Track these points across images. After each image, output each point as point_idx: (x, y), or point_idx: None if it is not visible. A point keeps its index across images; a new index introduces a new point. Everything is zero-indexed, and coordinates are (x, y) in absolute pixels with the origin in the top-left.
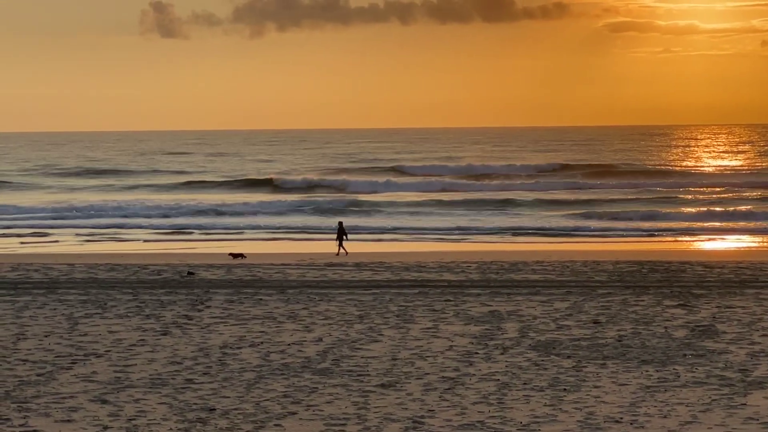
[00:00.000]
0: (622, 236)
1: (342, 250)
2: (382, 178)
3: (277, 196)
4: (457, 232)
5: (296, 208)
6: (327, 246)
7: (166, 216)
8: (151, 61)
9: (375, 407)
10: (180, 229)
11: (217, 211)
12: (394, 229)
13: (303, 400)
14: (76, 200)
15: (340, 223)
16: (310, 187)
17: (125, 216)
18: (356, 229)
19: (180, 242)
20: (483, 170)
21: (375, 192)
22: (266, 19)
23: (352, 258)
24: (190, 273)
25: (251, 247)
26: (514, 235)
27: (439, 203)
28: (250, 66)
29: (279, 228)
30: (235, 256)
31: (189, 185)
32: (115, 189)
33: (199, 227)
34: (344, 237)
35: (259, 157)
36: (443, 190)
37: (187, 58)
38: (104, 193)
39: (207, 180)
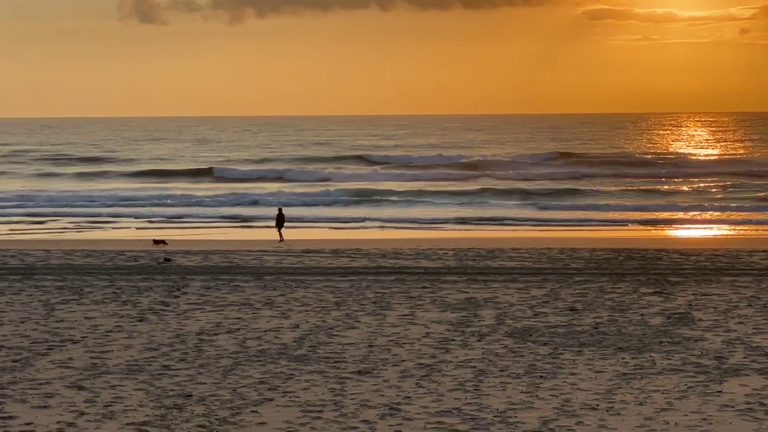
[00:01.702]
0: (593, 226)
1: (280, 237)
2: (344, 168)
3: (218, 185)
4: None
5: (232, 200)
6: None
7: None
8: (129, 47)
9: (351, 394)
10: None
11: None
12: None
13: (280, 386)
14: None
15: (280, 210)
16: (252, 178)
17: (66, 206)
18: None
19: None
20: (446, 160)
21: (339, 181)
22: (245, 5)
23: (328, 245)
24: (166, 259)
25: (184, 234)
26: (459, 223)
27: (381, 192)
28: (228, 52)
29: (214, 217)
30: (157, 242)
31: (151, 174)
32: (61, 177)
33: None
34: (282, 224)
35: (230, 143)
36: (400, 179)
37: (166, 44)
38: (49, 181)
39: (168, 169)
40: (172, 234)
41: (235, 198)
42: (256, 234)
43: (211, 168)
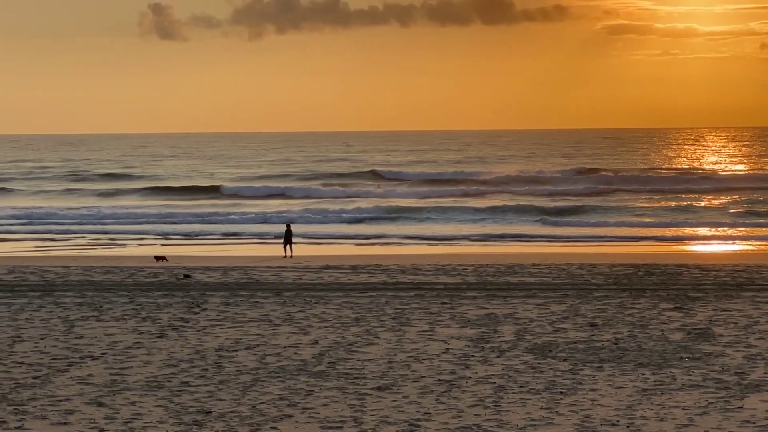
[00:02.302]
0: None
1: (288, 253)
2: (362, 184)
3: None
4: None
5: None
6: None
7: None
8: (149, 62)
9: (371, 410)
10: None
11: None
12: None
13: (299, 402)
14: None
15: (288, 226)
16: (269, 195)
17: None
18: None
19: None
20: (466, 176)
21: (358, 197)
22: (265, 21)
23: (347, 261)
24: (186, 275)
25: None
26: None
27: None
28: (249, 68)
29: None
30: (158, 258)
31: (169, 191)
32: (80, 194)
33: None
34: (291, 240)
35: (248, 160)
36: (418, 196)
37: (186, 60)
38: (68, 198)
39: (187, 185)
40: (189, 251)
41: (252, 215)
42: (271, 250)
43: (227, 186)
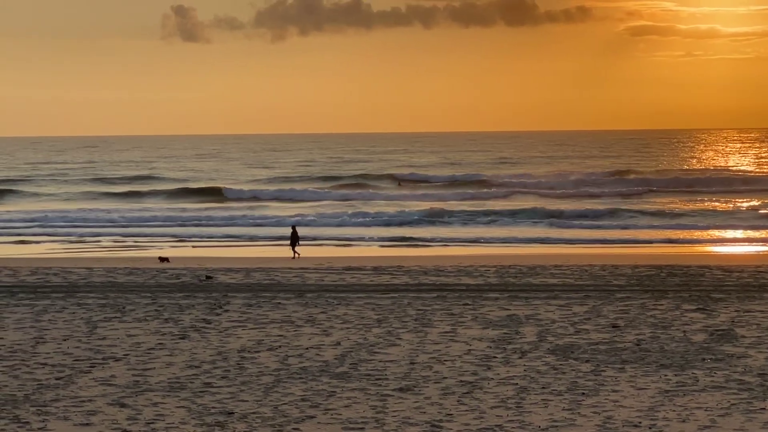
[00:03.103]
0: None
1: (296, 255)
2: (381, 188)
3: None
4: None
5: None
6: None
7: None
8: (173, 65)
9: (393, 411)
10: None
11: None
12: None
13: (321, 403)
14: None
15: (294, 228)
16: (281, 198)
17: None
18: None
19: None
20: (477, 177)
21: (387, 199)
22: (288, 23)
23: (370, 262)
24: (208, 277)
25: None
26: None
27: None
28: (271, 70)
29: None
30: (162, 259)
31: (192, 192)
32: (102, 196)
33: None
34: (297, 242)
35: (269, 161)
36: (443, 198)
37: (209, 62)
38: (91, 200)
39: (205, 187)
40: (211, 252)
41: (271, 217)
42: (286, 252)
43: (247, 189)
